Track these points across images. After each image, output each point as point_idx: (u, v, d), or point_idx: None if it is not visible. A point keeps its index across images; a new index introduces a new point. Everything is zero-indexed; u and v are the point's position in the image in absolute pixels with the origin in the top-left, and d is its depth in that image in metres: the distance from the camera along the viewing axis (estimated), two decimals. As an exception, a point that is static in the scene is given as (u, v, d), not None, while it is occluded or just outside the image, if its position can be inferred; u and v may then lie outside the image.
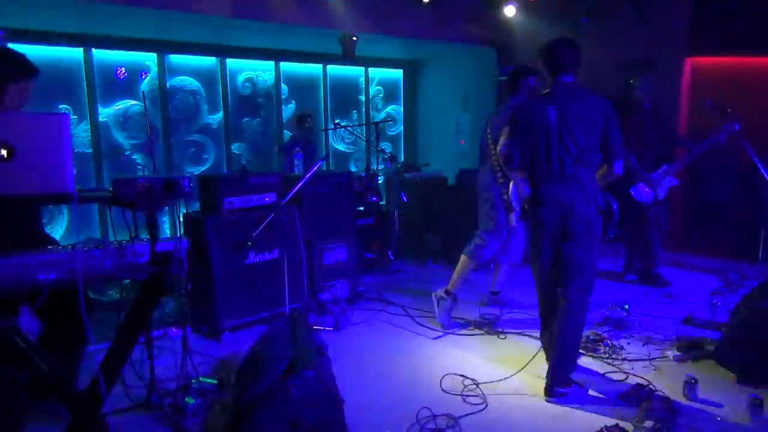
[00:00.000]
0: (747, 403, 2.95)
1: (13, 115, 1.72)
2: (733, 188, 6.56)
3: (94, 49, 6.02)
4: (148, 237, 1.98)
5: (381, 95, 8.63)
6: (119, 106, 6.26)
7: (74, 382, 2.28)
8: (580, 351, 3.75)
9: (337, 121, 6.39)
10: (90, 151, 6.11)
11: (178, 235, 2.36)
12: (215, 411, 3.05)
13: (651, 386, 3.19)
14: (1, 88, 2.33)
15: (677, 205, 7.07)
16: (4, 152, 1.67)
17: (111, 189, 1.85)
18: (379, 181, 6.64)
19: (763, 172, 4.32)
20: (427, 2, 5.48)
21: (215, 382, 3.33)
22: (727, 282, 5.28)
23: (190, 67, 6.75)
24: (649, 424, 2.75)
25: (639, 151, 5.14)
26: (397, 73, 8.78)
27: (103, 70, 6.13)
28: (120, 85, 6.24)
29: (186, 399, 3.05)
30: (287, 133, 7.42)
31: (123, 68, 6.23)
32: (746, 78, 6.46)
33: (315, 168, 4.14)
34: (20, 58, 2.46)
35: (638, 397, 3.09)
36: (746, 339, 3.29)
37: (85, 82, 6.03)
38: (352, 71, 8.23)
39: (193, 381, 3.26)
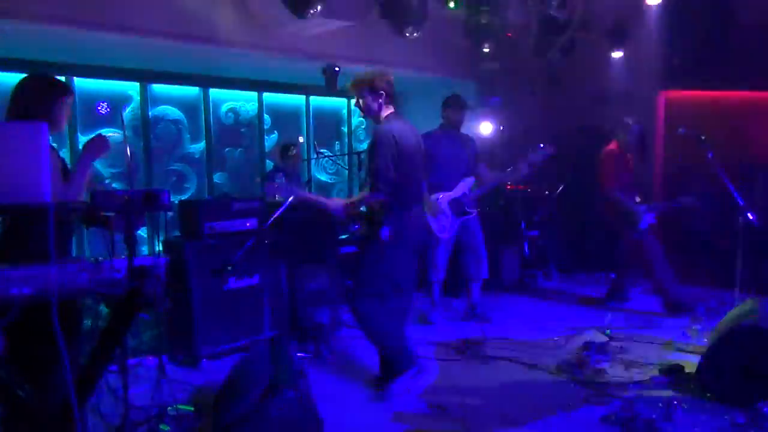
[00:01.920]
0: (729, 424, 2.95)
1: (-10, 123, 1.70)
2: (709, 218, 6.67)
3: (75, 78, 6.02)
4: (126, 252, 1.95)
5: (363, 126, 8.71)
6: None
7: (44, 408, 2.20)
8: (559, 374, 3.77)
9: (320, 151, 6.44)
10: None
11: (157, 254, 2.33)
12: (191, 438, 2.96)
13: (633, 409, 3.17)
14: (52, 108, 2.46)
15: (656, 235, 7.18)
16: (-21, 161, 1.65)
17: (89, 200, 1.82)
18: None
19: (736, 196, 4.42)
20: (409, 36, 5.60)
21: (192, 409, 3.24)
22: (707, 308, 5.33)
23: (173, 96, 6.77)
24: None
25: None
26: (379, 105, 8.89)
27: (84, 98, 6.12)
28: (101, 115, 6.21)
29: (161, 426, 2.96)
30: (270, 163, 7.42)
31: (105, 103, 6.22)
32: (719, 112, 6.64)
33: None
34: (53, 78, 2.61)
35: (621, 420, 3.07)
36: (726, 360, 3.31)
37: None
38: (335, 102, 8.32)
39: (169, 408, 3.18)
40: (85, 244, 3.78)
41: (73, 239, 2.70)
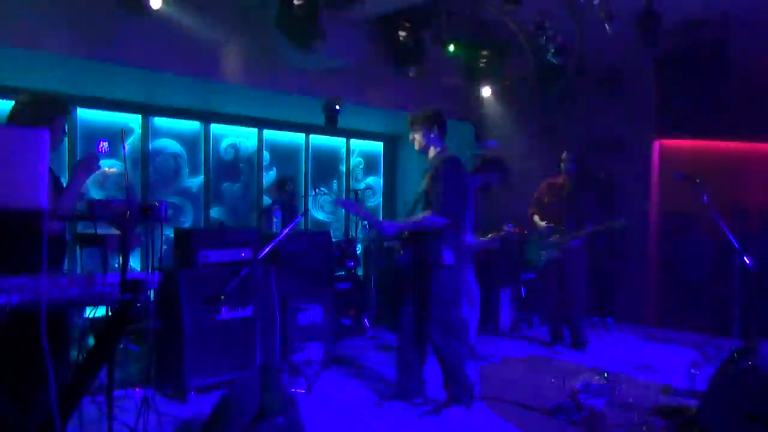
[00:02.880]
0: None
1: (-9, 128, 1.69)
2: (706, 266, 6.68)
3: (78, 108, 6.08)
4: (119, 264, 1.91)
5: (361, 166, 8.78)
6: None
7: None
8: (559, 417, 3.69)
9: (318, 188, 6.47)
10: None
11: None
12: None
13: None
14: (50, 125, 2.45)
15: (652, 282, 7.16)
16: (-23, 164, 1.64)
17: (86, 209, 1.80)
18: (358, 252, 6.63)
19: (732, 239, 4.41)
20: (412, 75, 5.71)
21: (177, 440, 3.13)
22: (704, 355, 5.26)
23: (173, 130, 6.83)
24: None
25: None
26: (377, 146, 8.99)
27: (86, 129, 6.16)
28: (101, 153, 6.23)
29: (144, 457, 2.85)
30: (267, 200, 7.44)
31: (106, 143, 6.24)
32: (714, 161, 6.71)
33: (294, 223, 4.13)
34: (56, 97, 2.59)
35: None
36: (726, 403, 3.23)
37: (66, 141, 6.03)
38: (334, 142, 8.40)
39: (154, 440, 3.07)
40: (78, 265, 3.73)
41: (66, 258, 2.66)
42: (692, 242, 6.88)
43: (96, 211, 1.79)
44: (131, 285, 1.86)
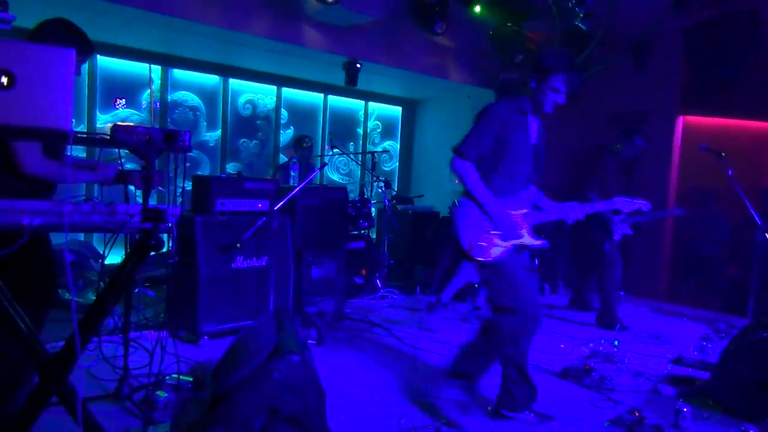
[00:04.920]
0: (740, 434, 2.86)
1: (17, 43, 1.67)
2: (722, 243, 6.60)
3: (98, 56, 6.05)
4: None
5: (379, 130, 8.72)
6: (118, 115, 6.25)
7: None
8: (569, 379, 3.69)
9: (334, 145, 6.42)
10: (83, 155, 6.05)
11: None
12: (189, 406, 2.90)
13: (641, 414, 3.09)
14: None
15: (665, 257, 7.11)
16: (4, 80, 1.62)
17: (110, 134, 1.79)
18: (372, 213, 6.62)
19: (754, 214, 4.34)
20: (439, 31, 5.58)
21: (191, 379, 3.19)
22: (716, 330, 5.23)
23: (193, 83, 6.80)
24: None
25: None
26: (396, 110, 8.91)
27: (106, 77, 6.15)
28: (121, 93, 6.24)
29: (158, 393, 2.90)
30: (283, 158, 7.42)
31: (123, 100, 6.24)
32: (738, 141, 6.55)
33: (312, 176, 4.12)
34: (84, 33, 2.48)
35: (628, 424, 2.99)
36: (738, 373, 3.22)
37: (86, 87, 6.04)
38: (353, 104, 8.33)
39: (167, 377, 3.12)
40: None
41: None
42: (710, 220, 6.78)
43: (118, 136, 1.77)
44: (152, 214, 1.86)
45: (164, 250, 2.04)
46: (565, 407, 3.24)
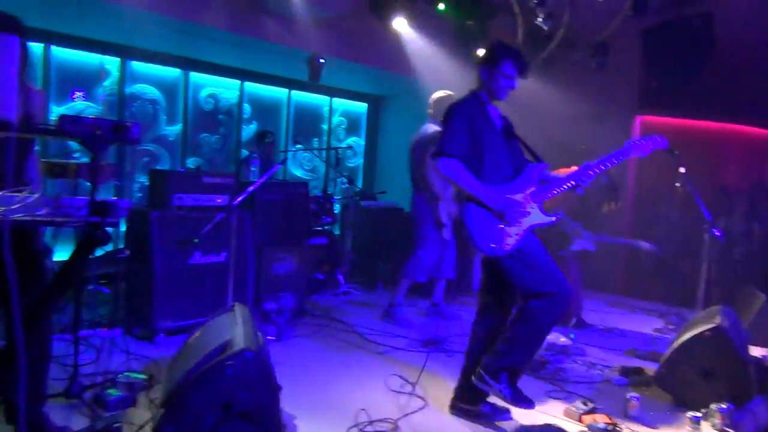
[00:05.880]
0: (686, 422, 2.97)
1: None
2: (676, 239, 6.80)
3: (53, 47, 5.88)
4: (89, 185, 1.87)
5: (343, 126, 8.70)
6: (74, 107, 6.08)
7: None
8: (525, 372, 3.74)
9: (298, 141, 6.38)
10: (37, 148, 5.86)
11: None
12: (141, 404, 2.85)
13: (593, 404, 3.17)
14: None
15: (622, 253, 7.29)
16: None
17: (56, 124, 1.74)
18: (336, 210, 6.61)
19: (704, 211, 4.49)
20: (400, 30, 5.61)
21: (145, 377, 3.13)
22: (668, 322, 5.40)
23: (152, 76, 6.66)
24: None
25: None
26: (361, 107, 8.90)
27: (60, 69, 5.97)
28: (78, 85, 6.07)
29: (109, 391, 2.85)
30: (245, 152, 7.34)
31: (81, 93, 6.08)
32: (693, 141, 6.73)
33: (272, 171, 4.08)
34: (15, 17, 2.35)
35: (581, 414, 3.07)
36: (687, 363, 3.34)
37: (41, 79, 5.86)
38: (317, 100, 8.29)
39: (119, 375, 3.07)
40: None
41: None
42: (665, 218, 7.00)
43: (65, 126, 1.73)
44: (100, 208, 1.82)
45: (110, 245, 2.01)
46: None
